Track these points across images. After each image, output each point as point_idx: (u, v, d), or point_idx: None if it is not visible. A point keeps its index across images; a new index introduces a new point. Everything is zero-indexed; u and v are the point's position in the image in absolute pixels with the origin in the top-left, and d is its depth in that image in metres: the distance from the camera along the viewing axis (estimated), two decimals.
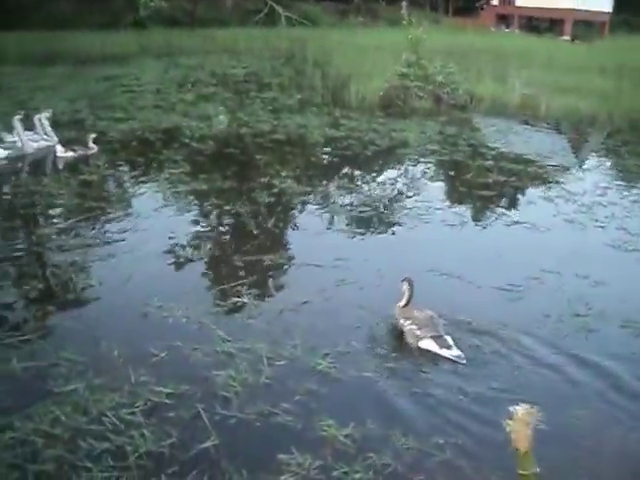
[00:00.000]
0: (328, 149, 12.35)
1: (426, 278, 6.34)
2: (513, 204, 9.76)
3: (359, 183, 10.38)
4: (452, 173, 11.17)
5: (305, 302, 6.05)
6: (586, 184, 10.68)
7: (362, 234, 8.09)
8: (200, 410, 4.44)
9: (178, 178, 9.96)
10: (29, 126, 11.36)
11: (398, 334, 5.62)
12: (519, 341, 5.56)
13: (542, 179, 10.94)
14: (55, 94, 16.52)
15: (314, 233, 7.99)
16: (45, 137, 11.32)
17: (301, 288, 6.37)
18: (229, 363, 5.00)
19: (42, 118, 11.41)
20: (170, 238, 7.58)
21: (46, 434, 4.17)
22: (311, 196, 9.46)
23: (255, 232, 7.95)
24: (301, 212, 8.95)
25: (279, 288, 6.50)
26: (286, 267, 7.02)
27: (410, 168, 11.52)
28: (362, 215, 8.62)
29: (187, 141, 12.29)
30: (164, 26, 31.36)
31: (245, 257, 7.09)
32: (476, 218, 9.04)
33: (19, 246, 7.30)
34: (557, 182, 10.75)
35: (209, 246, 7.49)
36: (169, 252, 7.21)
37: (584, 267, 7.16)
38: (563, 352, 5.44)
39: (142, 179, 10.02)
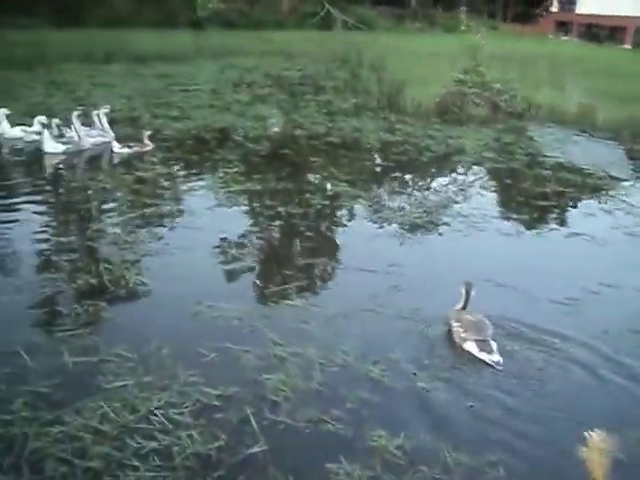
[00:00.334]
0: (383, 154, 12.23)
1: (481, 287, 6.14)
2: (571, 215, 9.51)
3: (414, 189, 10.23)
4: (508, 181, 10.94)
5: (358, 307, 5.94)
6: None
7: (416, 240, 7.95)
8: (249, 414, 4.37)
9: (232, 178, 9.96)
10: (87, 122, 11.52)
11: (448, 336, 5.55)
12: (575, 357, 5.35)
13: (601, 190, 10.64)
14: (113, 91, 16.74)
15: (367, 237, 7.87)
16: (102, 133, 11.45)
17: (354, 293, 6.28)
18: (280, 367, 4.92)
19: (100, 114, 11.56)
20: (222, 237, 7.56)
21: (95, 430, 4.15)
22: (365, 200, 9.34)
23: (308, 235, 7.87)
24: (355, 216, 8.84)
25: (332, 292, 6.40)
26: (339, 271, 6.92)
27: (466, 175, 11.32)
28: (416, 221, 8.47)
29: (242, 141, 12.30)
30: (221, 27, 31.67)
31: (297, 260, 7.03)
32: (532, 228, 8.82)
33: (74, 240, 7.36)
34: (616, 194, 10.43)
35: (261, 247, 7.45)
36: (221, 251, 7.18)
37: None
38: (622, 370, 5.23)
39: (196, 177, 10.04)
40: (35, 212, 8.23)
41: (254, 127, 13.34)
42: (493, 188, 10.73)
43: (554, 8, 43.60)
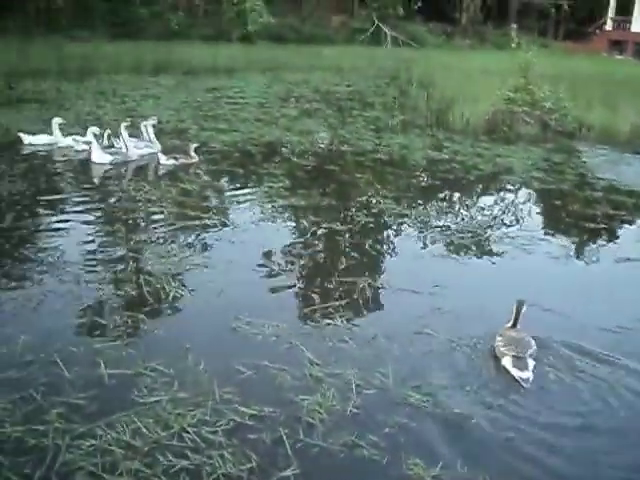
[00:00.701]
0: (429, 171, 12.08)
1: (527, 312, 5.96)
2: (622, 239, 9.21)
3: (460, 208, 10.06)
4: (558, 203, 10.68)
5: (399, 329, 5.80)
6: None
7: (461, 261, 7.77)
8: (283, 435, 4.26)
9: (277, 192, 9.92)
10: (135, 133, 11.63)
11: (491, 352, 5.50)
12: (626, 388, 5.15)
13: None
14: (162, 103, 16.95)
15: (412, 257, 7.73)
16: (149, 144, 11.54)
17: (396, 314, 6.15)
18: (316, 388, 4.80)
19: (147, 125, 11.65)
20: (265, 252, 7.50)
21: (126, 445, 4.09)
22: (410, 218, 9.20)
23: (351, 252, 7.76)
24: (399, 234, 8.72)
25: (373, 312, 6.26)
26: (381, 291, 6.77)
27: (514, 195, 11.11)
28: (462, 241, 8.30)
29: (288, 156, 12.28)
30: (271, 41, 31.89)
31: (339, 278, 6.91)
32: (582, 252, 8.57)
33: (117, 251, 7.37)
34: None
35: (303, 264, 7.36)
36: (263, 266, 7.11)
37: None
38: None
39: (241, 191, 10.02)
40: (81, 222, 8.28)
41: (300, 142, 13.32)
42: (541, 209, 10.51)
43: (608, 27, 42.92)
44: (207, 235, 8.01)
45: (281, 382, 4.87)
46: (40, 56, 21.92)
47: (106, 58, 23.41)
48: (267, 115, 16.33)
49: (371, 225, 8.74)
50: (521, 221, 9.46)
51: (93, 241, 7.69)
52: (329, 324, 5.86)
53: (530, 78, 16.88)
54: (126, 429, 4.22)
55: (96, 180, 10.43)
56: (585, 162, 13.85)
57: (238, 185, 10.36)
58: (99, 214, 8.75)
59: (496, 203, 10.48)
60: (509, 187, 11.62)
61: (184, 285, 6.50)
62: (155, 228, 8.19)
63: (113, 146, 11.38)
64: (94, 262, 7.00)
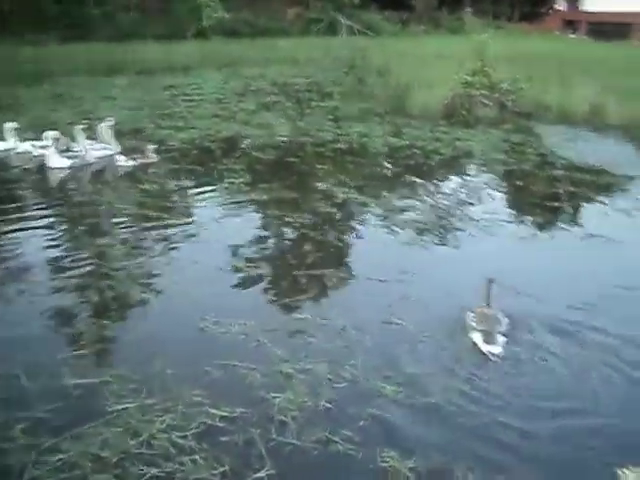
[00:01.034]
0: (391, 158, 12.04)
1: (495, 293, 5.94)
2: (585, 216, 9.27)
3: (423, 193, 10.02)
4: (520, 183, 10.71)
5: (368, 319, 5.75)
6: None
7: (427, 247, 7.75)
8: (255, 435, 4.19)
9: (238, 188, 9.81)
10: (92, 135, 11.43)
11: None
12: (599, 360, 5.17)
13: (615, 190, 10.42)
14: (118, 103, 16.68)
15: (377, 245, 7.69)
16: (107, 146, 11.34)
17: (364, 304, 6.09)
18: (287, 385, 4.74)
19: (104, 127, 11.45)
20: (229, 250, 7.40)
21: (95, 457, 3.98)
22: (374, 207, 9.16)
23: (316, 244, 7.70)
24: (363, 223, 8.66)
25: (341, 304, 6.19)
26: (349, 282, 6.73)
27: (475, 178, 11.11)
28: (426, 227, 8.28)
29: (247, 150, 12.15)
30: (226, 37, 31.59)
31: (306, 271, 6.84)
32: (546, 230, 8.59)
33: (79, 256, 7.21)
34: (630, 192, 10.21)
35: (269, 259, 7.28)
36: (228, 264, 7.01)
37: None
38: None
39: (202, 188, 9.89)
40: (41, 228, 8.10)
41: (260, 135, 13.18)
42: (504, 191, 10.53)
43: (561, 7, 43.31)
44: (170, 235, 7.88)
45: (251, 381, 4.79)
46: None
47: (60, 61, 22.98)
48: (225, 110, 16.15)
49: (335, 216, 8.68)
50: (484, 203, 9.47)
51: (54, 247, 7.51)
52: (297, 319, 5.79)
53: (486, 61, 16.94)
54: (94, 440, 4.12)
55: (55, 185, 10.23)
56: (544, 142, 13.93)
57: (198, 183, 10.21)
58: (59, 219, 8.58)
59: (458, 187, 10.46)
60: (471, 170, 11.64)
61: (149, 288, 6.40)
62: (117, 231, 8.04)
63: (70, 150, 11.16)
64: (56, 269, 6.86)
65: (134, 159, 10.89)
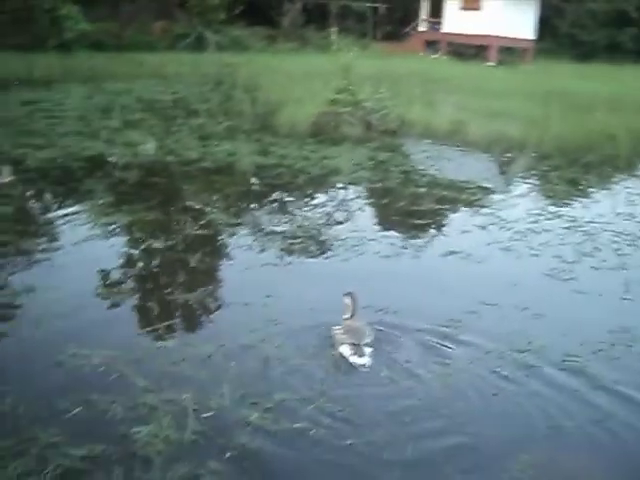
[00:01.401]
0: (258, 178, 12.01)
1: (362, 312, 6.00)
2: (448, 233, 9.58)
3: (290, 213, 10.03)
4: (385, 201, 10.95)
5: (234, 345, 5.66)
6: (519, 210, 10.62)
7: (292, 267, 7.72)
8: (117, 475, 4.01)
9: (100, 209, 9.46)
10: None
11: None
12: (464, 371, 5.32)
13: (476, 206, 10.84)
14: None
15: (243, 267, 7.58)
16: None
17: (230, 329, 5.98)
18: (151, 417, 4.56)
19: None
20: (89, 276, 7.08)
21: None
22: (241, 227, 9.08)
23: (182, 268, 7.52)
24: (230, 244, 8.54)
25: (206, 330, 6.09)
26: (214, 306, 6.61)
27: (342, 196, 11.25)
28: (293, 247, 8.28)
29: (110, 170, 11.78)
30: (90, 49, 30.64)
31: (170, 296, 6.66)
32: (410, 248, 8.78)
33: None
34: (490, 209, 10.65)
35: (132, 284, 7.04)
36: (87, 292, 6.70)
37: (522, 298, 7.02)
38: (502, 391, 5.23)
39: (62, 211, 9.42)
40: None
41: (124, 154, 12.81)
42: (370, 208, 10.73)
43: (422, 28, 44.88)
44: (25, 262, 7.48)
45: (112, 416, 4.59)
46: None
47: None
48: (88, 128, 15.58)
49: (201, 237, 8.52)
50: (350, 222, 9.58)
51: None
52: (160, 347, 5.62)
53: (351, 79, 17.30)
54: None
55: None
56: (408, 159, 14.34)
57: (58, 205, 9.77)
58: None
59: (325, 205, 10.55)
60: (338, 188, 11.77)
61: (1, 320, 6.02)
62: None
63: None
64: None
65: None
